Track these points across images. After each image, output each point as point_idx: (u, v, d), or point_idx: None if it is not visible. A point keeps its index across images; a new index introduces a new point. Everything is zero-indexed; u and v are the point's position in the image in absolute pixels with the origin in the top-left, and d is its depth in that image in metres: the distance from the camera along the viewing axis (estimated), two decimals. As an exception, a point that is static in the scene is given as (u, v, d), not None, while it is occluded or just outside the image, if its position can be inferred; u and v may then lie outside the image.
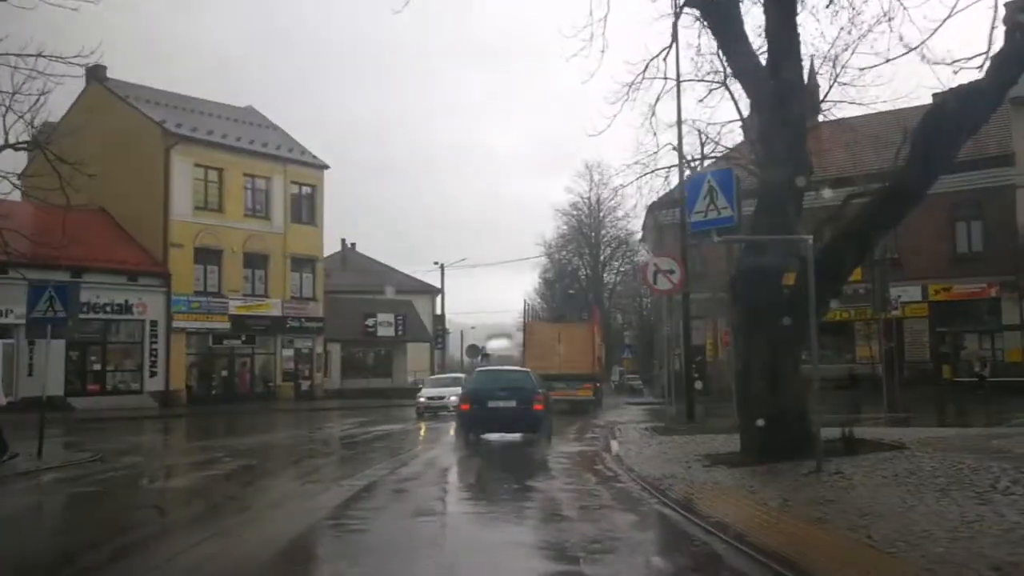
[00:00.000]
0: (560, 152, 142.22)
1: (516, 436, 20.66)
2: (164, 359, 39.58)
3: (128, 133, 40.88)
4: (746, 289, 14.20)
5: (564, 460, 16.86)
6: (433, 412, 31.92)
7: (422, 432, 23.96)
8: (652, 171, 24.74)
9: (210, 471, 15.30)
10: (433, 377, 40.04)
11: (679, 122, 23.35)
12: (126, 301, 38.65)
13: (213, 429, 29.40)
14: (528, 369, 24.66)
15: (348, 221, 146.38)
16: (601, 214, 75.27)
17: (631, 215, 74.17)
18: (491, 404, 19.23)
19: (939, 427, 20.56)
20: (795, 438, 13.55)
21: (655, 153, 23.73)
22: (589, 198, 75.29)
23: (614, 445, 17.97)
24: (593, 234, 75.09)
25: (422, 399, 32.99)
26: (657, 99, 20.78)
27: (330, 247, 71.03)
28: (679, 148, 23.44)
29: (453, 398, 30.25)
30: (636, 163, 24.61)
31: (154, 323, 39.40)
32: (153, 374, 39.29)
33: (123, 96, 42.03)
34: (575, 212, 75.57)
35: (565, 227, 75.91)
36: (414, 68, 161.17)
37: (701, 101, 24.79)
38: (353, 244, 74.13)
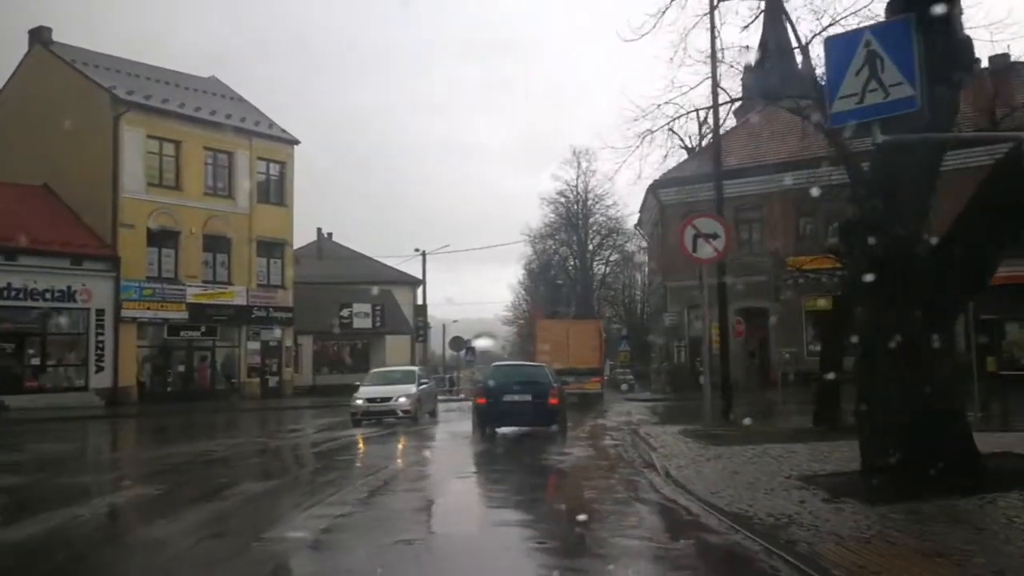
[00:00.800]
0: (547, 148, 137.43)
1: (532, 447, 17.05)
2: (112, 352, 34.43)
3: (74, 101, 35.83)
4: (872, 234, 9.36)
5: (599, 483, 11.97)
6: (375, 418, 23.43)
7: (360, 447, 18.03)
8: (686, 112, 19.87)
9: (88, 506, 10.29)
10: (376, 371, 28.81)
11: (713, 53, 18.59)
12: (69, 287, 33.53)
13: (154, 433, 24.47)
14: (543, 364, 23.61)
15: (326, 212, 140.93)
16: (589, 202, 70.63)
17: (620, 203, 69.85)
18: (507, 398, 18.81)
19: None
20: (953, 455, 8.85)
21: (693, 89, 18.74)
22: (576, 186, 70.62)
23: (655, 458, 13.13)
24: (581, 222, 70.24)
25: (359, 400, 23.67)
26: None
27: (305, 236, 66.11)
28: (713, 79, 18.64)
29: (403, 399, 23.70)
30: (668, 103, 19.54)
31: (101, 312, 34.26)
32: (100, 369, 34.15)
33: (69, 60, 36.82)
34: (562, 200, 70.81)
35: (553, 215, 71.14)
36: (400, 61, 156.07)
37: (746, 28, 19.64)
38: (330, 234, 68.94)
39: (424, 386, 26.26)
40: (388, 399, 23.64)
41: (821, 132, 16.97)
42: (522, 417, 19.12)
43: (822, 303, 35.03)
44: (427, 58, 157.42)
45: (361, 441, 18.99)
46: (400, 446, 18.22)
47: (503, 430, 19.45)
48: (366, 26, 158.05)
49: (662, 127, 18.54)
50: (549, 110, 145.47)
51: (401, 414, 23.55)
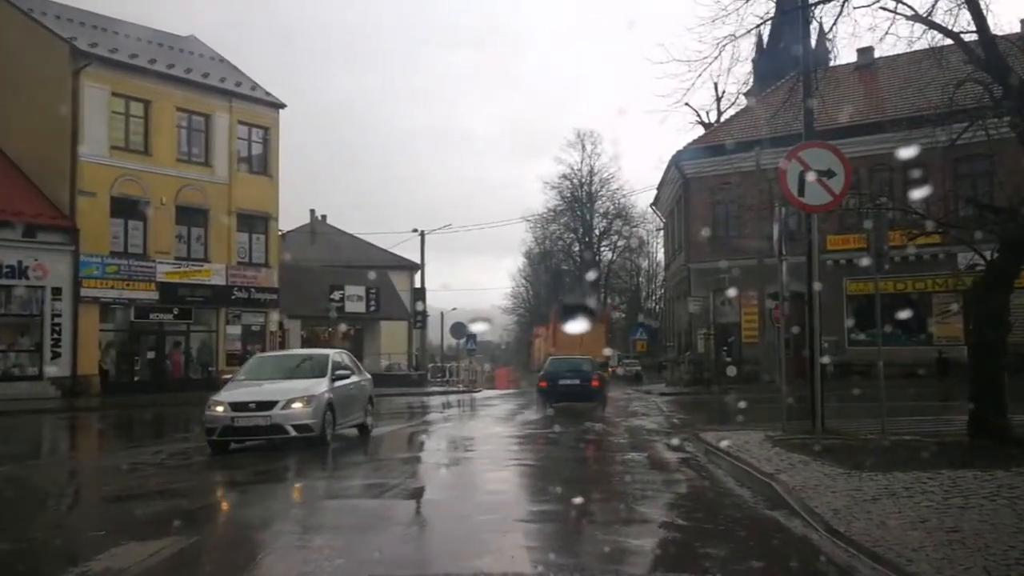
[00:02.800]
0: (543, 136, 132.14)
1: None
2: (70, 337, 29.49)
3: (30, 53, 30.98)
4: None
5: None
6: (248, 438, 14.00)
7: (222, 505, 9.91)
8: (781, 14, 14.81)
9: None
10: (262, 357, 18.95)
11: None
12: (19, 262, 28.61)
13: (93, 433, 19.69)
14: (589, 356, 27.71)
15: (320, 199, 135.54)
16: (594, 186, 66.10)
17: (626, 187, 65.34)
18: (562, 382, 23.84)
19: None
20: None
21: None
22: (581, 168, 66.11)
23: (783, 493, 8.30)
24: (587, 206, 65.58)
25: (219, 408, 13.73)
26: None
27: (298, 219, 61.26)
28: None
29: (298, 405, 13.59)
30: (724, 15, 13.82)
31: (57, 291, 29.32)
32: (56, 355, 29.21)
33: (25, 9, 31.79)
34: (567, 183, 66.22)
35: (557, 199, 66.60)
36: (390, 48, 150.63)
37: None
38: (324, 216, 63.98)
39: (344, 382, 15.15)
40: (270, 405, 13.52)
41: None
42: (572, 396, 23.81)
43: (869, 286, 30.64)
44: (417, 45, 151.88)
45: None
46: (226, 509, 9.70)
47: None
48: (356, 12, 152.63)
49: (748, 32, 13.42)
50: (543, 99, 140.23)
51: (294, 432, 13.44)
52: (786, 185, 11.70)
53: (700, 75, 13.74)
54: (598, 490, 9.98)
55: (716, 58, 13.29)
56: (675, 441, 15.08)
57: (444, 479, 11.46)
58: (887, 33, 13.36)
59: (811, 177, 11.61)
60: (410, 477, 11.50)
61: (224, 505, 9.63)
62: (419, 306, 44.99)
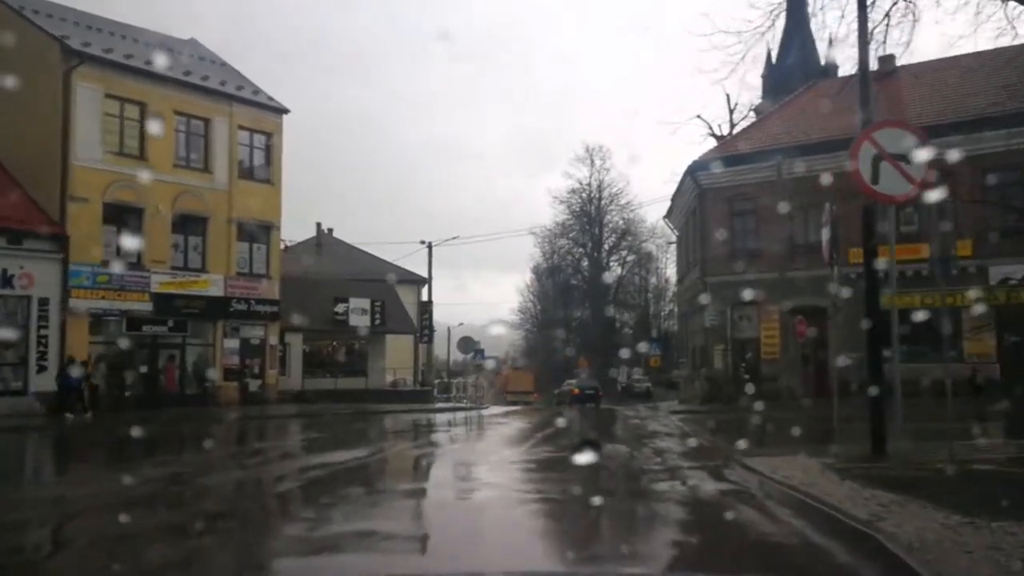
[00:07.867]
0: (552, 151, 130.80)
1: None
2: (58, 349, 27.56)
3: (21, 53, 28.91)
4: None
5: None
6: None
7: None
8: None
9: None
10: None
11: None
12: (5, 271, 26.79)
13: (64, 457, 17.62)
14: (596, 384, 48.26)
15: (327, 211, 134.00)
16: (603, 201, 64.29)
17: (635, 202, 63.74)
18: (584, 392, 45.17)
19: None
20: None
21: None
22: (590, 183, 64.31)
23: (893, 548, 6.27)
24: (596, 220, 63.77)
25: None
26: None
27: (304, 232, 59.54)
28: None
29: None
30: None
31: (44, 301, 27.44)
32: (42, 369, 27.28)
33: (16, 7, 30.03)
34: (576, 198, 64.52)
35: (566, 214, 65.01)
36: (396, 60, 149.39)
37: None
38: (330, 229, 62.08)
39: None
40: None
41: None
42: (588, 400, 42.88)
43: (900, 300, 28.79)
44: (426, 56, 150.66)
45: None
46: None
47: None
48: (363, 25, 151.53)
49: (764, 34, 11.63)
50: (551, 112, 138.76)
51: None
52: (858, 170, 9.71)
53: (750, 48, 11.86)
54: (639, 540, 7.94)
55: (770, 27, 11.41)
56: (714, 468, 13.02)
57: (451, 521, 9.40)
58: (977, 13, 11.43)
59: (891, 157, 9.65)
60: (414, 519, 9.48)
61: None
62: (426, 321, 43.07)
